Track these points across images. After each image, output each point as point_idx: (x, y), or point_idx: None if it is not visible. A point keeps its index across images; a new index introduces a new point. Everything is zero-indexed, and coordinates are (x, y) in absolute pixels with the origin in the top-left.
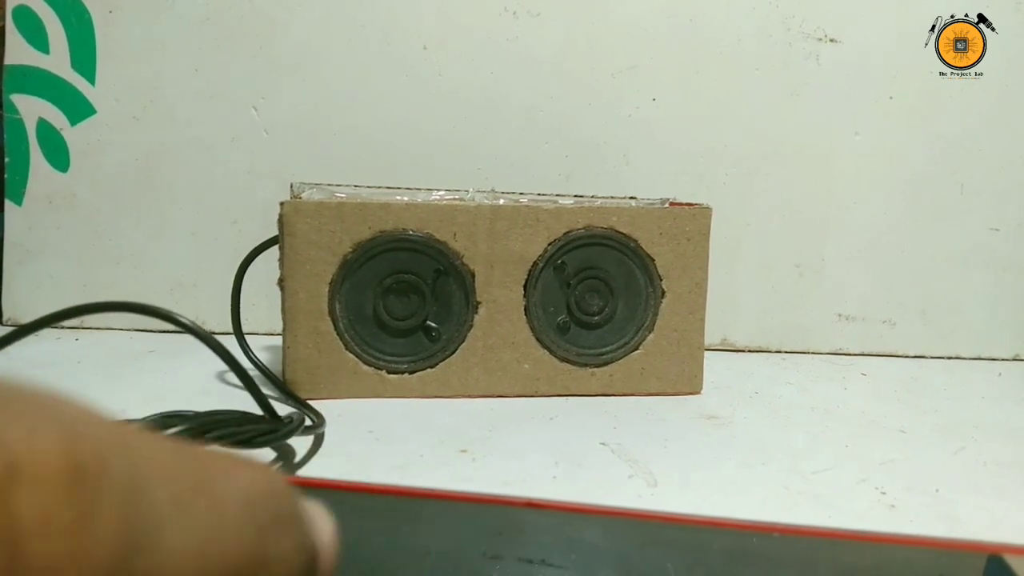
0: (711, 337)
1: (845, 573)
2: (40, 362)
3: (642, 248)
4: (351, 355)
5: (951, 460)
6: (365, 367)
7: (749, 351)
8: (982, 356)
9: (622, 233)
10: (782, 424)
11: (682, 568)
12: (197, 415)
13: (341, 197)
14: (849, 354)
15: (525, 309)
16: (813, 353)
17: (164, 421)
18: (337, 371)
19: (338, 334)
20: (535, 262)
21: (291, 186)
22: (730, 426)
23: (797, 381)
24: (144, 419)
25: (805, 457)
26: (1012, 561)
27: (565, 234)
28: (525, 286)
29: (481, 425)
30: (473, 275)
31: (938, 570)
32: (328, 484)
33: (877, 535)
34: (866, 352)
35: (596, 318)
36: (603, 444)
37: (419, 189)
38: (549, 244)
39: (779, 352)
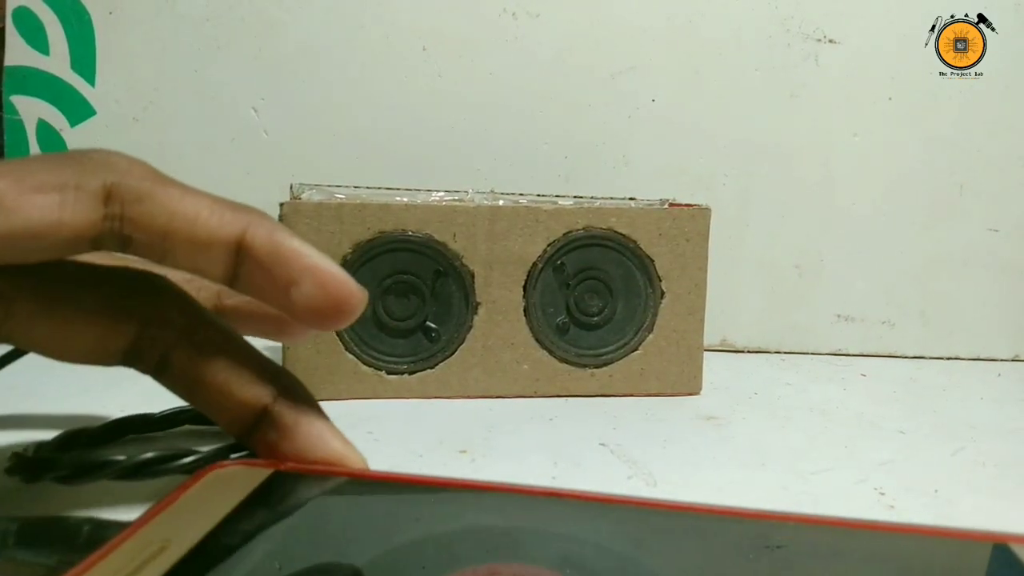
0: (710, 338)
1: (848, 561)
2: (38, 361)
3: (641, 249)
4: (351, 356)
5: (950, 461)
6: (365, 368)
7: (748, 352)
8: (981, 357)
9: (621, 234)
10: (781, 425)
11: (684, 561)
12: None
13: (340, 198)
14: (848, 355)
15: (524, 310)
16: (812, 354)
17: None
18: (337, 372)
19: (337, 335)
20: (534, 263)
21: (290, 187)
22: (729, 427)
23: (796, 382)
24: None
25: (804, 458)
26: (1018, 550)
27: (564, 235)
28: (524, 287)
29: (481, 426)
30: (472, 276)
31: (943, 559)
32: (324, 471)
33: (883, 524)
34: (865, 353)
35: (595, 319)
36: (602, 444)
37: (418, 190)
38: (548, 245)
39: (778, 353)
